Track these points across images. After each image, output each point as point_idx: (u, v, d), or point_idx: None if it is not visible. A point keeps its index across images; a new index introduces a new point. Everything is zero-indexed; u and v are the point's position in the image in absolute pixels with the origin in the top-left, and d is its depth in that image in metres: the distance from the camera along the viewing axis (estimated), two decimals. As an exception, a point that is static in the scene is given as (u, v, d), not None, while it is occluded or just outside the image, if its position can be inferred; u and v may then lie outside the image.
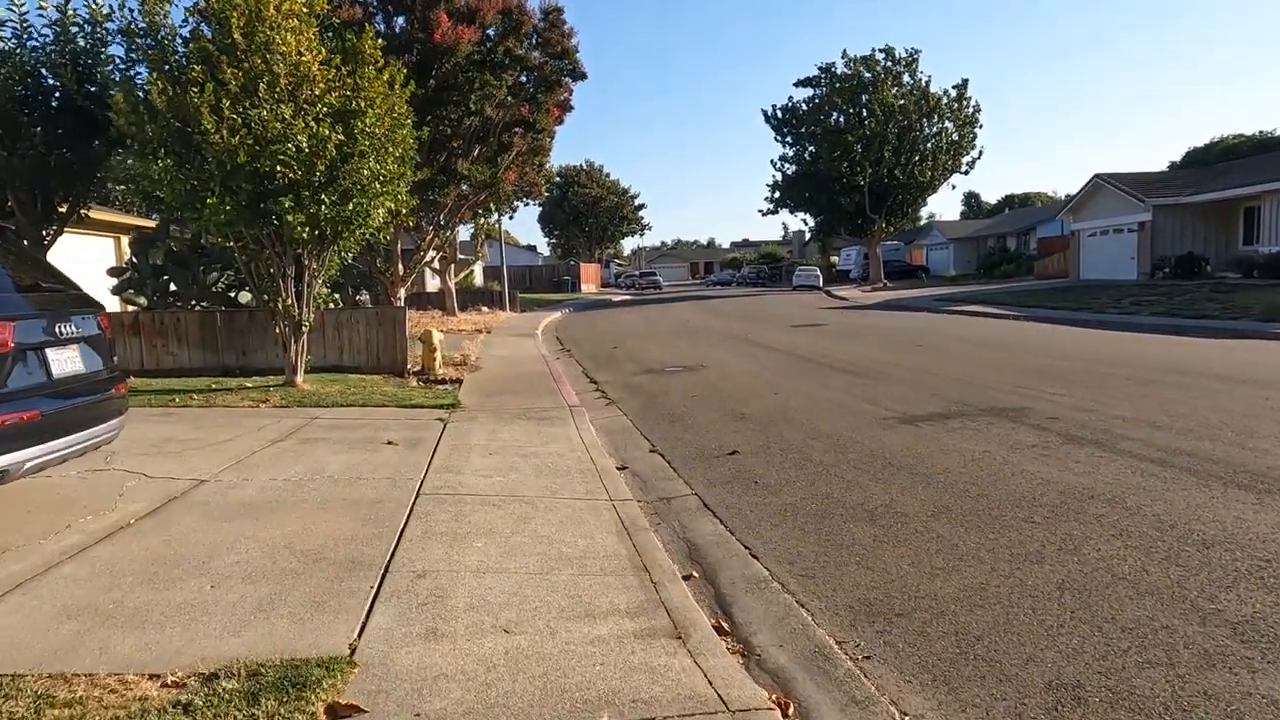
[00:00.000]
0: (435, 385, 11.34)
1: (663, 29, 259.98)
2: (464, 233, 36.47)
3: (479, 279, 43.25)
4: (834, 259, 61.90)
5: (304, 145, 8.53)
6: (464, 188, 20.30)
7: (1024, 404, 8.23)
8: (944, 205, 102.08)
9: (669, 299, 44.30)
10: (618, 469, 6.66)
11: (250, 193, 8.66)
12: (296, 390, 9.88)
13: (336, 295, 14.89)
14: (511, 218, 38.97)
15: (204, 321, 12.01)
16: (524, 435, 7.74)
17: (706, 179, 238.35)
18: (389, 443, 7.16)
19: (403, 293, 17.77)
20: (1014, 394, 8.86)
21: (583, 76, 19.03)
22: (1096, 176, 33.22)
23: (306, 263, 9.86)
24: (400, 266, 17.84)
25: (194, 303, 13.10)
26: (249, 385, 10.29)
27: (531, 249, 76.16)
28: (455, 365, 13.30)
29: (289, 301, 9.75)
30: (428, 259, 19.78)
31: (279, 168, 8.44)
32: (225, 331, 11.94)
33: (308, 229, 8.89)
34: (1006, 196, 79.22)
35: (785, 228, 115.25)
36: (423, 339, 12.55)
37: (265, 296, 9.89)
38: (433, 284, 33.91)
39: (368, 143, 9.13)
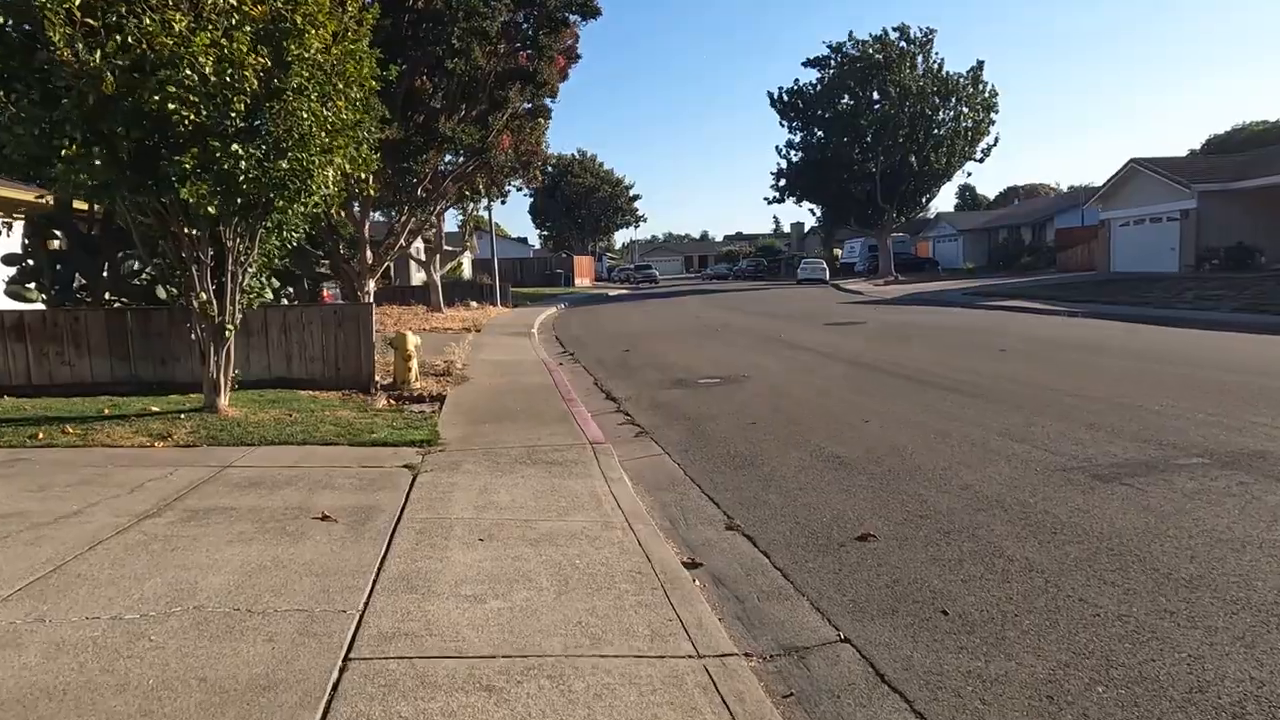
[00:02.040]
0: (409, 405, 8.76)
1: (658, 26, 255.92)
2: (450, 223, 33.78)
3: (467, 271, 40.43)
4: (837, 251, 59.27)
5: (209, 72, 5.91)
6: (448, 163, 17.49)
7: (1254, 445, 5.71)
8: (939, 198, 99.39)
9: (670, 293, 41.61)
10: (686, 566, 4.14)
11: (136, 142, 6.06)
12: (218, 417, 7.27)
13: (290, 289, 12.18)
14: (504, 201, 36.33)
15: (111, 323, 9.32)
16: (531, 496, 5.19)
17: (700, 174, 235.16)
18: (323, 517, 4.60)
19: (371, 285, 14.93)
20: (1216, 427, 6.34)
21: (595, 13, 15.53)
22: (1133, 161, 30.84)
23: (230, 244, 7.23)
24: (369, 254, 15.03)
25: (107, 298, 10.42)
26: (155, 410, 7.67)
27: (522, 241, 72.95)
28: (436, 376, 10.69)
29: (205, 298, 7.13)
30: (405, 243, 16.88)
31: (172, 105, 5.82)
32: (139, 335, 9.27)
33: (219, 195, 6.25)
34: (1010, 188, 76.86)
35: (777, 220, 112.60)
36: (394, 344, 9.91)
37: (174, 291, 7.29)
38: (418, 277, 31.22)
39: (307, 74, 6.52)
